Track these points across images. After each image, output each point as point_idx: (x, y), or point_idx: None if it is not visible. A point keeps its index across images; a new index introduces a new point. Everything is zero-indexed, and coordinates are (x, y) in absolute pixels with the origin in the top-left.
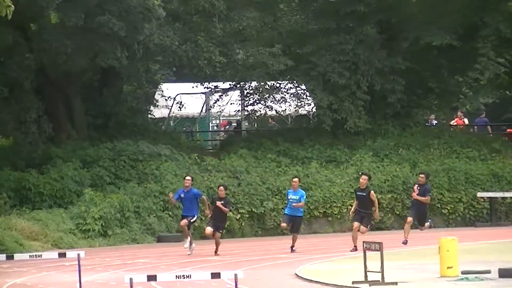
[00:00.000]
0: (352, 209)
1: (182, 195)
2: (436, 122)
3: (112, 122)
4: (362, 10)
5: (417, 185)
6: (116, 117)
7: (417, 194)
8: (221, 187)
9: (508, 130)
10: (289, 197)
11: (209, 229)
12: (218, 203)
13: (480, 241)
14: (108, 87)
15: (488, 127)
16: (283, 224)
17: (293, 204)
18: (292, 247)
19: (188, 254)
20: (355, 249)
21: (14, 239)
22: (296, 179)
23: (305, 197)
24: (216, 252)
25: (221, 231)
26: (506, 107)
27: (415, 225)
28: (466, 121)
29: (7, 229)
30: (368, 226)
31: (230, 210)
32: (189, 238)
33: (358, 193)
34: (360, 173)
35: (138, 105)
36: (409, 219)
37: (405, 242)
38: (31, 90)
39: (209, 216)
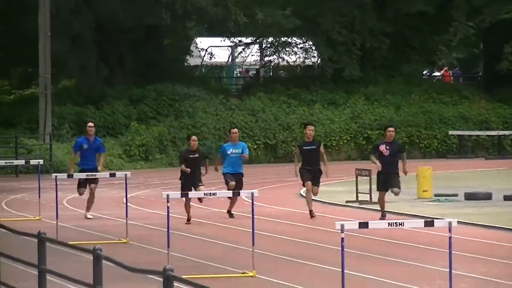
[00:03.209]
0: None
1: (86, 146)
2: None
3: (154, 69)
4: None
5: (385, 145)
6: (158, 65)
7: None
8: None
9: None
10: (228, 152)
11: None
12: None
13: (450, 170)
14: (151, 41)
15: (460, 78)
16: (232, 183)
17: (243, 155)
18: (229, 211)
19: (90, 218)
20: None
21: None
22: (235, 129)
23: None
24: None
25: None
26: (475, 62)
27: None
28: (450, 73)
29: (69, 153)
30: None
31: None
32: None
33: (305, 147)
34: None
35: (176, 55)
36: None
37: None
38: (90, 42)
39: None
